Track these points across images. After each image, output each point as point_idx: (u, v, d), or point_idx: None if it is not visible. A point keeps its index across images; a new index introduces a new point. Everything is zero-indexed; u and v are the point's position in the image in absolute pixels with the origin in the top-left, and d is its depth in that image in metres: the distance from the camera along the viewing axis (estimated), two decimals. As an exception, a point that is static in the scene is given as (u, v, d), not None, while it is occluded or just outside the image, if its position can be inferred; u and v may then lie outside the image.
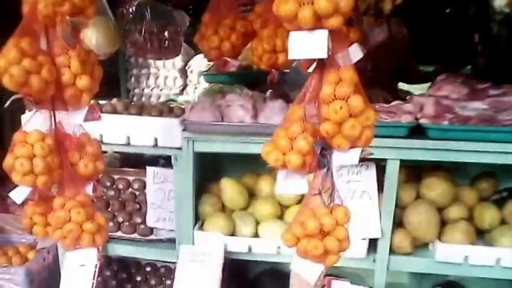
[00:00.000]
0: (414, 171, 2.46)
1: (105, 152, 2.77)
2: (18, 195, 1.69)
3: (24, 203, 1.74)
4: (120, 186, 2.75)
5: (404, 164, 2.33)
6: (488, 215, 2.33)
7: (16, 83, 1.48)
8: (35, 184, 1.63)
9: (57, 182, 1.70)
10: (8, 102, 1.59)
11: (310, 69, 1.49)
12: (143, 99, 4.96)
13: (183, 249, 2.42)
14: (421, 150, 2.18)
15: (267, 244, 2.38)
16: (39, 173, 1.63)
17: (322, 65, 1.44)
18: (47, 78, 1.53)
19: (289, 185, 1.53)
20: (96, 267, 2.38)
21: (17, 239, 3.37)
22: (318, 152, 1.47)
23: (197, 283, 2.33)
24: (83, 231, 1.74)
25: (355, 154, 1.47)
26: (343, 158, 1.48)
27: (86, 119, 1.70)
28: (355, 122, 1.41)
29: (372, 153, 1.51)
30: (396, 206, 2.36)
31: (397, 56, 2.91)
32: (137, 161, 2.92)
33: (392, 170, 2.23)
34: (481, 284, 2.62)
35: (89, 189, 1.78)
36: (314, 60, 1.45)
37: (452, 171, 2.50)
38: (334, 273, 2.41)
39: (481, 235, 2.36)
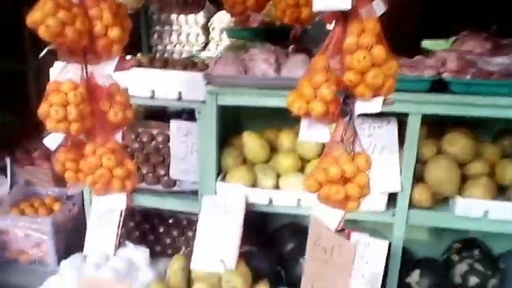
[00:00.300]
0: (437, 128, 2.51)
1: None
2: (52, 141, 1.78)
3: (51, 155, 1.83)
4: (144, 139, 2.84)
5: (427, 120, 2.39)
6: (509, 171, 2.39)
7: (51, 34, 1.56)
8: (68, 131, 1.72)
9: (89, 129, 1.79)
10: (43, 52, 1.68)
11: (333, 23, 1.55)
12: (166, 55, 5.04)
13: (205, 201, 2.52)
14: (442, 105, 2.22)
15: (287, 196, 2.47)
16: (72, 120, 1.72)
17: (345, 17, 1.49)
18: (80, 28, 1.60)
19: (312, 133, 1.60)
20: (121, 215, 2.52)
21: (43, 192, 3.51)
22: (341, 100, 1.53)
23: (219, 233, 2.44)
24: (113, 176, 1.83)
25: (377, 103, 1.53)
26: (365, 107, 1.54)
27: (116, 69, 1.78)
28: (378, 72, 1.46)
29: (394, 101, 1.56)
30: (417, 161, 2.43)
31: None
32: (160, 115, 3.00)
33: (414, 125, 2.28)
34: (501, 241, 2.68)
35: (118, 136, 1.87)
36: (338, 13, 1.50)
37: (475, 128, 2.56)
38: (353, 226, 2.49)
39: (502, 191, 2.42)
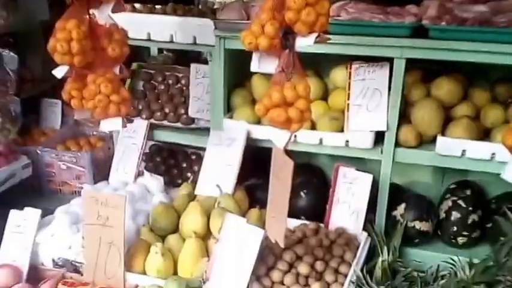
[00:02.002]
0: (429, 74, 2.92)
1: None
2: (59, 72, 2.39)
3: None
4: (170, 82, 3.45)
5: (421, 68, 2.87)
6: (492, 114, 2.76)
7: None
8: (72, 63, 2.33)
9: (90, 62, 2.39)
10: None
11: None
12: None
13: (212, 135, 3.08)
14: (423, 50, 2.60)
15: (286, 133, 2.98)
16: (75, 53, 2.31)
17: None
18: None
19: (262, 64, 2.12)
20: (142, 148, 3.12)
21: (89, 131, 4.22)
22: (281, 35, 2.03)
23: (221, 164, 3.01)
24: (110, 102, 2.43)
25: (312, 38, 2.00)
26: (302, 41, 2.01)
27: (113, 10, 2.36)
28: (311, 10, 1.93)
29: (329, 39, 2.04)
30: (406, 103, 2.87)
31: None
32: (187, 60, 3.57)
33: (399, 68, 2.67)
34: (499, 186, 3.05)
35: (116, 69, 2.46)
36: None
37: (472, 76, 2.95)
38: (343, 162, 2.98)
39: (487, 134, 2.80)
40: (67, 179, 3.78)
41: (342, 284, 2.51)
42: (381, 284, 2.56)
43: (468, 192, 3.00)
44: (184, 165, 3.56)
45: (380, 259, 2.65)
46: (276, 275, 2.53)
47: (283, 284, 2.52)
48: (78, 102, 2.46)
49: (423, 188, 3.25)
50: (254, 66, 2.12)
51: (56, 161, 3.77)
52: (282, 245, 2.38)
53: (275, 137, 2.17)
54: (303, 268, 2.55)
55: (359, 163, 3.00)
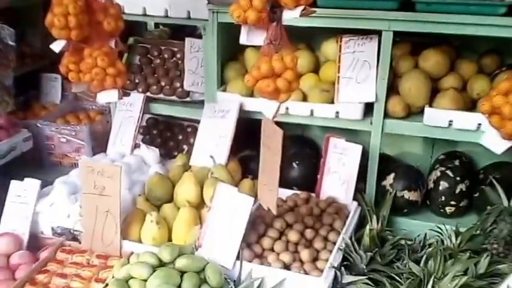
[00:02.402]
0: (417, 47, 2.95)
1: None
2: (56, 46, 2.44)
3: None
4: (166, 56, 3.49)
5: (410, 41, 2.92)
6: (478, 85, 2.79)
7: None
8: (69, 37, 2.37)
9: (87, 36, 2.43)
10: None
11: None
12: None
13: (206, 107, 3.13)
14: (409, 23, 2.63)
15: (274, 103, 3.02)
16: (72, 27, 2.35)
17: None
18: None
19: (250, 37, 2.16)
20: (138, 121, 3.17)
21: (89, 106, 4.27)
22: (268, 8, 2.07)
23: (214, 135, 3.06)
24: (107, 74, 2.48)
25: (298, 11, 2.04)
26: (289, 14, 2.05)
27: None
28: (296, -16, 1.98)
29: (315, 11, 2.08)
30: (395, 75, 2.91)
31: None
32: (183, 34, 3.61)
33: (387, 41, 2.71)
34: (488, 156, 3.08)
35: (111, 43, 2.50)
36: None
37: (460, 48, 2.99)
38: (335, 133, 3.02)
39: (474, 105, 2.84)
40: (67, 152, 3.84)
41: (330, 251, 2.56)
42: (368, 251, 2.60)
43: (457, 162, 3.05)
44: (180, 137, 3.61)
45: (368, 227, 2.69)
46: (266, 242, 2.59)
47: (273, 251, 2.57)
48: (75, 76, 2.51)
49: (413, 159, 3.31)
50: (243, 39, 2.16)
51: (55, 134, 3.83)
52: (274, 212, 2.45)
53: (264, 108, 2.22)
54: (292, 236, 2.61)
55: (350, 134, 3.05)
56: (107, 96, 2.54)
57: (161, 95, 3.44)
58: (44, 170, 3.83)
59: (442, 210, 3.00)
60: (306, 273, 2.46)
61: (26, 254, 2.74)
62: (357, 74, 2.83)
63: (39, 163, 3.93)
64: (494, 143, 2.22)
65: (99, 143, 3.76)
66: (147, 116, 3.67)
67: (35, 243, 2.84)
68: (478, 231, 2.73)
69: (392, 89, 2.87)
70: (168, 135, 3.66)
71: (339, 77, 2.87)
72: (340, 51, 2.87)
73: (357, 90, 2.83)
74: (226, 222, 2.52)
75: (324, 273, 2.40)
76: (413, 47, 2.97)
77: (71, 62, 2.48)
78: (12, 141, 3.63)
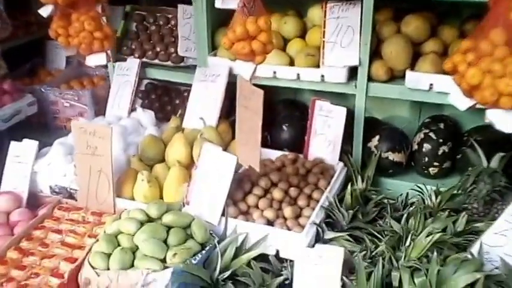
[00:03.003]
0: (400, 13, 2.95)
1: None
2: (44, 11, 2.49)
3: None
4: (161, 23, 3.53)
5: (393, 7, 2.94)
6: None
7: None
8: (56, 1, 2.42)
9: (74, 1, 2.48)
10: None
11: None
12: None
13: (198, 71, 3.17)
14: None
15: (264, 69, 3.02)
16: (60, -8, 2.41)
17: None
18: None
19: (225, 1, 2.20)
20: (135, 84, 3.23)
21: (92, 72, 4.32)
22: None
23: (205, 98, 3.11)
24: (94, 38, 2.53)
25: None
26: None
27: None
28: None
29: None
30: (378, 40, 2.92)
31: None
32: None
33: (368, 6, 2.71)
34: (473, 120, 3.14)
35: (98, 8, 2.55)
36: None
37: (443, 14, 2.99)
38: (324, 97, 3.06)
39: (456, 69, 2.86)
40: (70, 116, 3.91)
41: (314, 209, 2.61)
42: (350, 209, 2.65)
43: (441, 125, 3.07)
44: (177, 101, 3.67)
45: (350, 187, 2.74)
46: (251, 200, 2.65)
47: (258, 208, 2.64)
48: (64, 40, 2.57)
49: (401, 122, 3.34)
50: (218, 3, 2.22)
51: (59, 99, 3.91)
52: (257, 170, 2.50)
53: (241, 69, 2.26)
54: (276, 193, 2.67)
55: (338, 99, 3.08)
56: (96, 59, 2.60)
57: (156, 61, 3.48)
58: (50, 133, 3.89)
59: (425, 171, 3.03)
60: (288, 229, 2.52)
61: (25, 211, 2.83)
62: (341, 39, 2.85)
63: (45, 127, 4.02)
64: (458, 99, 2.22)
65: (102, 107, 3.79)
66: (146, 81, 3.72)
67: (34, 201, 2.94)
68: (459, 191, 2.77)
69: (375, 53, 2.89)
70: (166, 100, 3.72)
71: (324, 41, 2.88)
72: (325, 16, 2.88)
73: (341, 55, 2.85)
74: (212, 180, 2.58)
75: (305, 229, 2.46)
76: (396, 13, 2.97)
77: (59, 27, 2.53)
78: (16, 106, 3.70)
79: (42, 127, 4.00)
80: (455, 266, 2.18)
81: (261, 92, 2.24)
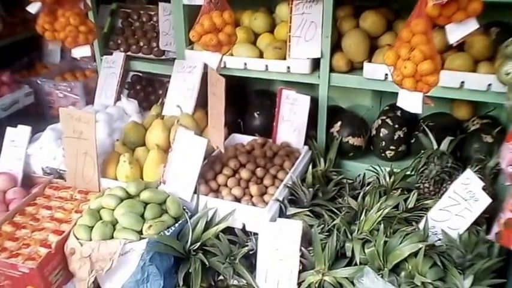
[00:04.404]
0: (360, 9, 3.08)
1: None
2: (32, 7, 2.62)
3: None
4: (144, 19, 3.66)
5: (353, 4, 3.07)
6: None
7: None
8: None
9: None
10: None
11: None
12: None
13: (176, 63, 3.29)
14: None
15: (236, 61, 3.16)
16: (46, -10, 2.54)
17: None
18: None
19: (193, -3, 2.32)
20: (120, 76, 3.35)
21: (85, 65, 4.45)
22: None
23: (184, 87, 3.23)
24: (79, 32, 2.66)
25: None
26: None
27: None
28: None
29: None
30: (340, 35, 3.05)
31: None
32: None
33: (328, 3, 2.83)
34: (428, 108, 3.22)
35: (81, 4, 2.69)
36: None
37: (400, 11, 3.12)
38: (289, 86, 3.17)
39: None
40: (64, 105, 3.97)
41: (278, 187, 2.74)
42: (311, 188, 2.78)
43: (398, 113, 3.20)
44: (160, 92, 3.80)
45: (311, 167, 2.88)
46: (221, 179, 2.78)
47: (227, 186, 2.76)
48: (50, 34, 2.69)
49: (364, 110, 3.48)
50: (185, 0, 2.32)
51: (54, 90, 4.03)
52: (222, 150, 2.64)
53: (208, 59, 2.39)
54: (244, 173, 2.79)
55: (307, 89, 3.19)
56: (81, 51, 2.73)
57: (140, 54, 3.61)
58: (46, 122, 3.95)
59: (383, 154, 3.16)
60: (253, 205, 2.65)
61: (20, 190, 2.96)
62: (305, 33, 2.95)
63: (42, 116, 4.12)
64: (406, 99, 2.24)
65: (93, 97, 3.90)
66: (132, 73, 3.85)
67: (28, 181, 3.06)
68: (412, 172, 2.90)
69: (337, 46, 3.01)
70: (150, 90, 3.85)
71: (290, 36, 2.99)
72: (291, 13, 2.99)
73: (305, 48, 2.96)
74: (185, 161, 2.70)
75: (268, 205, 2.59)
76: (356, 9, 3.10)
77: (46, 22, 2.65)
78: (14, 96, 3.84)
79: (39, 116, 4.10)
80: (401, 238, 2.32)
81: (223, 79, 2.37)
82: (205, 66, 3.20)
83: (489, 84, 2.62)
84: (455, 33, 1.96)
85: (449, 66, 2.75)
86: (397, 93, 3.03)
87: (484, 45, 2.71)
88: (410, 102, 2.07)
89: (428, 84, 1.98)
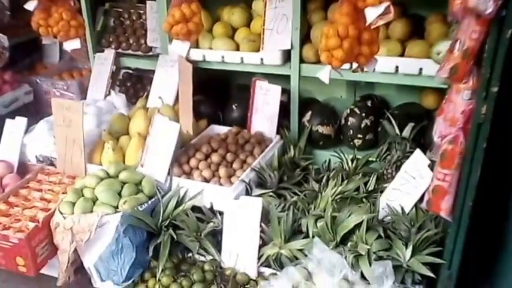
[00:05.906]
0: (330, 2, 3.47)
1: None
2: (29, 5, 3.15)
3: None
4: (134, 18, 4.20)
5: None
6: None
7: None
8: (39, -3, 3.09)
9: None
10: None
11: None
12: None
13: (160, 58, 3.82)
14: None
15: (214, 54, 3.63)
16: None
17: None
18: None
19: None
20: (110, 72, 3.89)
21: (82, 65, 4.97)
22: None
23: (166, 80, 3.75)
24: (71, 26, 3.23)
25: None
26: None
27: None
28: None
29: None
30: (310, 27, 3.48)
31: None
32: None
33: (297, -3, 3.24)
34: (400, 98, 3.70)
35: (71, 2, 3.24)
36: None
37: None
38: (268, 79, 3.59)
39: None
40: (61, 104, 4.59)
41: (245, 171, 3.17)
42: (276, 171, 3.23)
43: (368, 103, 3.61)
44: (149, 88, 4.29)
45: (277, 153, 3.35)
46: (193, 162, 3.25)
47: (198, 169, 3.23)
48: (44, 30, 3.25)
49: (339, 102, 3.91)
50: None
51: (51, 89, 4.60)
52: (190, 133, 3.12)
53: (179, 48, 2.86)
54: (214, 157, 3.25)
55: (283, 81, 3.58)
56: (72, 44, 3.28)
57: (130, 51, 4.14)
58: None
59: (351, 143, 3.55)
60: (220, 185, 3.11)
61: (15, 176, 3.49)
62: (277, 26, 3.38)
63: (42, 113, 4.58)
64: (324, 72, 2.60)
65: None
66: (123, 71, 4.42)
67: (24, 169, 3.60)
68: (376, 159, 3.32)
69: (308, 38, 3.43)
70: (139, 86, 4.38)
71: (263, 29, 3.41)
72: (265, 7, 3.41)
73: (277, 40, 3.38)
74: (160, 145, 3.17)
75: (233, 185, 3.05)
76: (325, 2, 3.51)
77: (40, 19, 3.20)
78: (14, 94, 4.46)
79: (39, 113, 4.57)
80: (349, 212, 2.75)
81: (190, 65, 2.89)
82: (191, 61, 3.60)
83: (420, 68, 3.05)
84: (371, 15, 2.22)
85: (409, 53, 3.18)
86: (370, 83, 3.52)
87: (440, 32, 3.15)
88: (324, 74, 2.49)
89: (337, 59, 2.38)
